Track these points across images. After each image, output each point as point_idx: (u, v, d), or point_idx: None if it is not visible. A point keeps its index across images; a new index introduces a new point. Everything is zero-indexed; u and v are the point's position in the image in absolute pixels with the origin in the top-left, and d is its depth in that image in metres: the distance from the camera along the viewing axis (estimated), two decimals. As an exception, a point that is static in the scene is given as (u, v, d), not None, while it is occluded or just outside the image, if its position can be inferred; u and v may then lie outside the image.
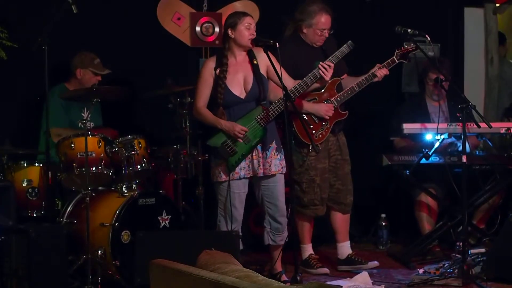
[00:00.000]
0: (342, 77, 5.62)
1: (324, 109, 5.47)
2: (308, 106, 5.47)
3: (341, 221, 5.74)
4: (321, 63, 5.16)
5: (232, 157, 5.07)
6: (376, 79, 5.45)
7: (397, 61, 5.47)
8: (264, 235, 5.25)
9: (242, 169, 5.10)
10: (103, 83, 5.68)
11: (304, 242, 5.70)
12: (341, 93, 5.51)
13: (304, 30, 5.54)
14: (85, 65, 5.68)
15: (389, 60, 5.46)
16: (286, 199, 5.26)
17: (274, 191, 5.18)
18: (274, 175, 5.15)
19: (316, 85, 5.26)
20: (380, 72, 5.42)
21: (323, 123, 5.50)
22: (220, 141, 5.07)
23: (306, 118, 5.44)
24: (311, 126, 5.44)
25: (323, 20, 5.47)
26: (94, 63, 5.68)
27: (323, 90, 5.49)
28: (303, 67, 5.35)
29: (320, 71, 5.14)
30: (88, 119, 5.06)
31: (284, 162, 5.19)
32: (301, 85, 5.15)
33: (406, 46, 5.49)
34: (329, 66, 5.14)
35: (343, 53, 5.34)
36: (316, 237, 5.86)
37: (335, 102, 5.50)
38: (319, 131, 5.50)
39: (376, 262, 5.69)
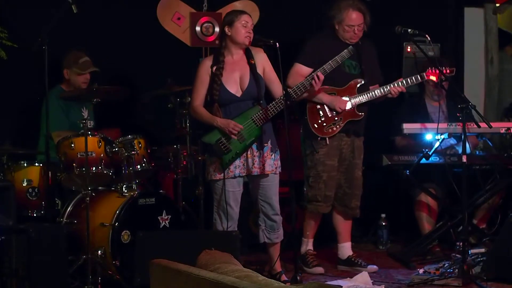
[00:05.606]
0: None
1: (338, 101, 5.45)
2: (323, 96, 5.45)
3: (342, 222, 5.73)
4: (313, 74, 5.19)
5: (226, 155, 5.06)
6: (390, 95, 5.51)
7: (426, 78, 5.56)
8: (259, 234, 5.25)
9: (237, 168, 5.10)
10: (103, 83, 5.67)
11: (305, 236, 5.70)
12: (360, 94, 5.50)
13: (336, 26, 5.54)
14: (69, 65, 5.63)
15: (418, 75, 5.50)
16: (284, 198, 5.26)
17: (268, 190, 5.18)
18: (268, 174, 5.14)
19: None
20: (394, 89, 5.47)
21: (336, 118, 5.48)
22: (214, 139, 5.07)
23: (320, 109, 5.45)
24: (323, 118, 5.44)
25: (352, 17, 5.47)
26: (78, 63, 5.61)
27: (344, 88, 5.49)
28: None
29: (313, 81, 5.16)
30: (88, 118, 5.06)
31: (278, 162, 5.18)
32: (295, 91, 5.17)
33: (433, 69, 5.53)
34: (319, 77, 5.20)
35: (343, 58, 5.39)
36: (318, 237, 5.86)
37: (351, 101, 5.49)
38: (330, 125, 5.48)
39: (375, 266, 5.65)
